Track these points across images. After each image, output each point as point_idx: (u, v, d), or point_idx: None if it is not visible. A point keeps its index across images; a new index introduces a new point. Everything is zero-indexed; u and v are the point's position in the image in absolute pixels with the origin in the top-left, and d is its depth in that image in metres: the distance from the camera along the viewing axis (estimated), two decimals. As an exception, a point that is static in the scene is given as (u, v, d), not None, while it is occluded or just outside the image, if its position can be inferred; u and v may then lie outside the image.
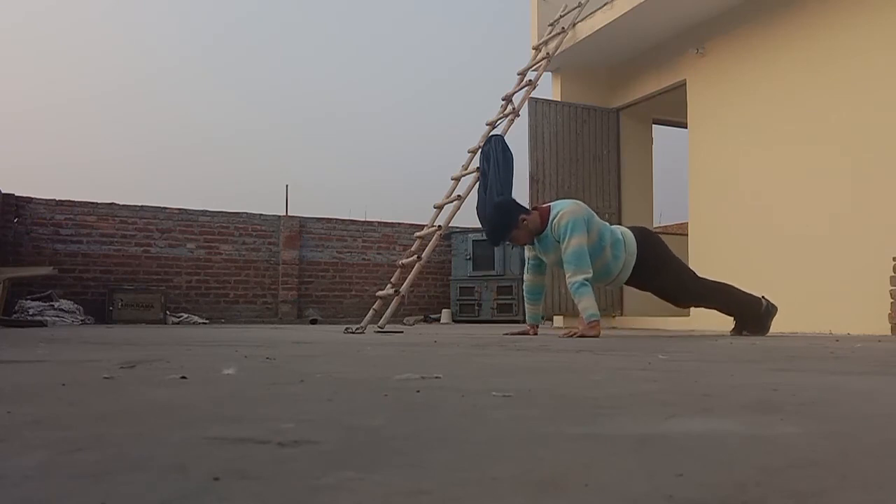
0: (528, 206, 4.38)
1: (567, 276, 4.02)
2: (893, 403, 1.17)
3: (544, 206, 4.25)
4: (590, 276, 3.99)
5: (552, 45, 7.28)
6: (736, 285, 4.41)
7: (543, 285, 4.54)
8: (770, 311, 4.34)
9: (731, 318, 4.48)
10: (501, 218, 4.22)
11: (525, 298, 4.58)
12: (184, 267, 9.11)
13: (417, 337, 4.11)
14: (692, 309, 6.41)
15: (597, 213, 4.32)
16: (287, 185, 10.36)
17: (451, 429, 0.86)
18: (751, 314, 4.34)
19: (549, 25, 7.61)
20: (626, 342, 3.44)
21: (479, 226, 7.90)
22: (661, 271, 4.29)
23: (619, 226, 4.48)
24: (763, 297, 4.35)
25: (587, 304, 3.94)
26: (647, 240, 4.32)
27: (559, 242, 4.08)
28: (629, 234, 4.27)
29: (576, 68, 7.91)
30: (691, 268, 4.63)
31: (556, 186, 7.32)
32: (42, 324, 6.63)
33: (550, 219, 4.12)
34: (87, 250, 8.61)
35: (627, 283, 4.38)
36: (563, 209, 4.10)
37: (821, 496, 0.55)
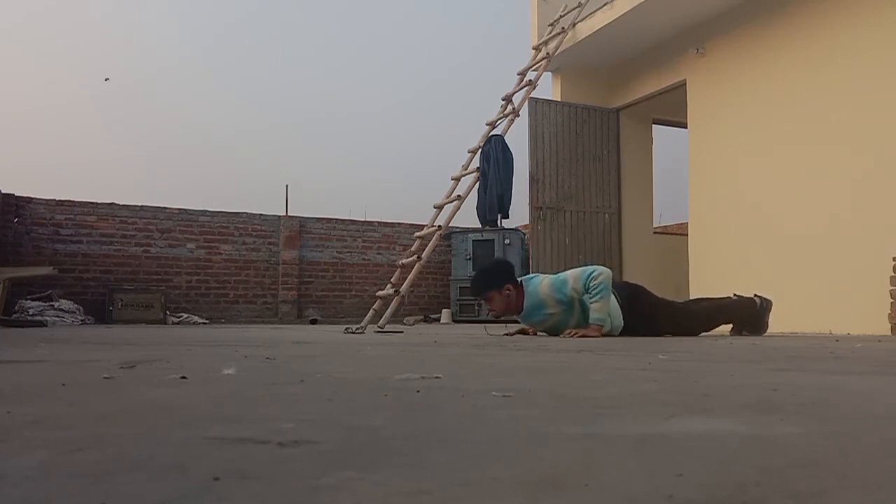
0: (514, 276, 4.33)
1: (595, 305, 4.04)
2: (893, 403, 1.17)
3: (521, 282, 4.26)
4: (608, 294, 4.05)
5: (552, 45, 7.28)
6: (725, 295, 4.45)
7: None
8: (765, 307, 4.38)
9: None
10: (491, 275, 4.29)
11: None
12: (184, 267, 9.10)
13: (417, 337, 4.11)
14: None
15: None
16: (287, 185, 10.36)
17: (451, 429, 0.86)
18: (748, 315, 4.39)
19: (549, 25, 7.61)
20: (626, 342, 3.44)
21: (479, 226, 7.91)
22: (658, 318, 4.31)
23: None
24: (755, 294, 4.39)
25: (600, 307, 4.00)
26: (633, 296, 4.33)
27: (587, 294, 4.08)
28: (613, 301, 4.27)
29: (576, 68, 7.91)
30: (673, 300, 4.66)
31: (556, 186, 7.32)
32: (42, 324, 6.62)
33: (582, 281, 4.13)
34: (87, 250, 8.61)
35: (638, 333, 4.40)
36: (594, 274, 4.10)
37: (821, 496, 0.55)
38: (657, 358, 2.19)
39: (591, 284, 4.09)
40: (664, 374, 1.64)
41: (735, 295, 4.45)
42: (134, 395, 1.21)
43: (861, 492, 0.57)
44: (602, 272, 4.15)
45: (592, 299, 4.04)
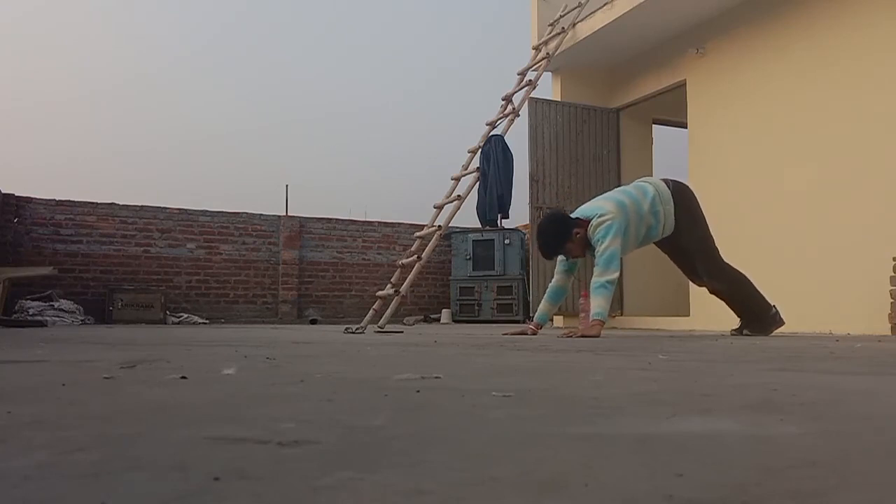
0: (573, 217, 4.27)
1: (594, 275, 4.01)
2: (893, 403, 1.17)
3: (582, 219, 4.17)
4: (614, 278, 3.97)
5: (552, 45, 7.29)
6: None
7: (568, 289, 4.50)
8: (777, 319, 4.37)
9: (732, 318, 4.48)
10: (556, 230, 4.16)
11: (545, 296, 4.48)
12: (184, 267, 9.10)
13: (417, 337, 4.11)
14: (692, 308, 6.42)
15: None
16: (287, 185, 10.34)
17: (451, 429, 0.86)
18: (758, 314, 4.37)
19: (549, 25, 7.61)
20: (626, 342, 3.44)
21: (479, 226, 7.91)
22: (692, 229, 4.27)
23: (648, 180, 4.41)
24: (775, 306, 4.38)
25: (600, 303, 3.92)
26: (682, 193, 4.33)
27: (594, 246, 4.08)
28: (661, 186, 4.27)
29: (576, 68, 7.91)
30: None
31: (556, 186, 7.32)
32: (42, 324, 6.62)
33: (589, 228, 4.11)
34: (87, 250, 8.61)
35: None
36: (596, 219, 4.08)
37: (821, 496, 0.55)
38: (657, 358, 2.20)
39: (596, 235, 4.03)
40: (664, 374, 1.65)
41: (775, 307, 4.38)
42: (134, 395, 1.21)
43: (861, 492, 0.57)
44: (606, 215, 4.03)
45: (593, 295, 3.94)
